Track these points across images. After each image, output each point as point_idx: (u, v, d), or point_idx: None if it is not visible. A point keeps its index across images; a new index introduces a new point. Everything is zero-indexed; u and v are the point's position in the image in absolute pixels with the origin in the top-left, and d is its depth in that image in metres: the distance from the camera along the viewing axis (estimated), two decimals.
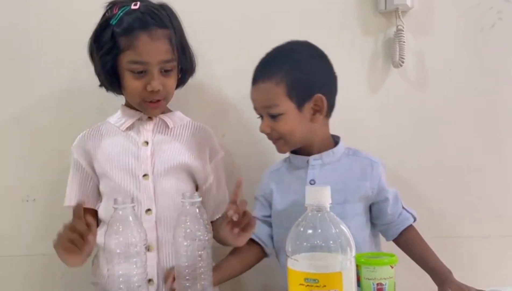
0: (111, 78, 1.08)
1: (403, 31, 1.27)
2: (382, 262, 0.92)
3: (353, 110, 1.31)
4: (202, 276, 0.84)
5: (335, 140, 1.10)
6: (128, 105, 1.14)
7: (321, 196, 0.66)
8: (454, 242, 1.32)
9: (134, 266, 0.83)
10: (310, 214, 0.67)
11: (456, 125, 1.33)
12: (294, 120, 1.02)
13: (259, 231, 1.06)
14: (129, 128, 1.11)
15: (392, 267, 0.92)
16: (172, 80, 1.08)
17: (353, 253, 0.66)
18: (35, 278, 1.30)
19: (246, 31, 1.30)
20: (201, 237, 0.84)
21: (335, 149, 1.07)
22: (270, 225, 1.10)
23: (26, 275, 1.30)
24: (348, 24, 1.31)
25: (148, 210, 1.04)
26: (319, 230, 0.66)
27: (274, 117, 1.02)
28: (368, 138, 1.32)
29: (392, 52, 1.30)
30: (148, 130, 1.10)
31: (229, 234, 0.94)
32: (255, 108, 1.07)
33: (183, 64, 1.10)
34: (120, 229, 0.82)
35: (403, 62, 1.28)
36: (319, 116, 1.04)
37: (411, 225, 1.07)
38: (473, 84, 1.33)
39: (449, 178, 1.34)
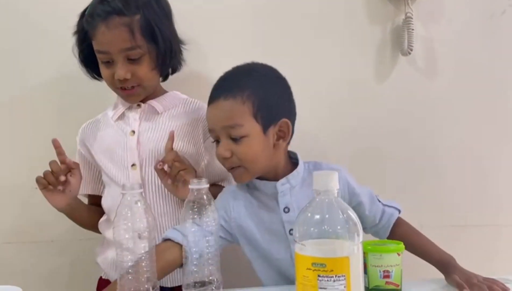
0: (88, 67, 1.11)
1: (412, 18, 1.26)
2: (389, 250, 0.92)
3: (362, 99, 1.32)
4: (210, 261, 0.85)
5: (292, 158, 1.03)
6: None
7: (328, 181, 0.66)
8: (459, 231, 1.33)
9: (143, 251, 0.83)
10: (317, 199, 0.67)
11: (465, 114, 1.33)
12: (258, 144, 0.93)
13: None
14: (120, 117, 1.12)
15: (399, 255, 0.92)
16: (143, 67, 1.04)
17: (360, 239, 0.66)
18: (44, 264, 1.32)
19: (252, 21, 1.29)
20: (208, 223, 0.84)
21: (298, 169, 0.99)
22: None
23: (36, 261, 1.32)
24: (356, 12, 1.31)
25: None
26: (327, 216, 0.66)
27: (235, 140, 0.92)
28: (376, 127, 1.32)
29: (400, 40, 1.29)
30: (135, 118, 1.10)
31: (167, 185, 1.03)
32: (212, 130, 0.96)
33: (157, 51, 1.04)
34: (129, 215, 0.82)
35: (411, 50, 1.27)
36: (282, 142, 0.96)
37: (398, 218, 1.04)
38: (483, 72, 1.32)
39: (457, 167, 1.34)
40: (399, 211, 1.05)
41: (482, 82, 1.32)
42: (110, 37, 1.01)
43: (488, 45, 1.32)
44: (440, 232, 1.29)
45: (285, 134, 0.96)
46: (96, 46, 1.04)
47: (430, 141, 1.33)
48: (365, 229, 1.08)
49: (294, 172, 0.98)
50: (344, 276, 0.63)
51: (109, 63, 1.04)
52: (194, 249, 0.84)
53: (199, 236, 0.84)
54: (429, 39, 1.31)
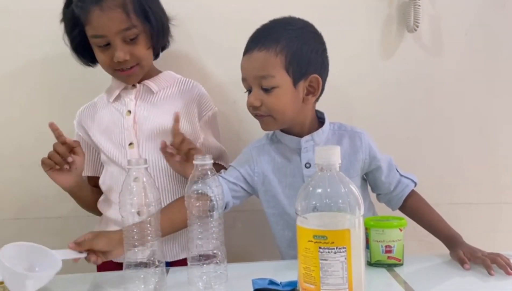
0: (81, 54, 1.11)
1: None
2: (391, 225, 0.93)
3: (366, 76, 1.31)
4: (214, 235, 0.86)
5: (319, 117, 1.06)
6: None
7: (330, 155, 0.67)
8: (466, 208, 1.33)
9: (148, 225, 0.85)
10: (319, 173, 0.68)
11: (471, 91, 1.32)
12: (287, 96, 0.96)
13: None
14: (116, 99, 1.13)
15: (401, 230, 0.93)
16: (140, 46, 1.05)
17: (362, 212, 0.66)
18: (53, 239, 1.33)
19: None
20: (212, 198, 0.85)
21: (323, 127, 1.02)
22: (235, 197, 1.04)
23: (44, 237, 1.33)
24: None
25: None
26: (328, 189, 0.66)
27: (266, 90, 0.95)
28: (381, 103, 1.31)
29: (406, 17, 1.27)
30: (131, 99, 1.12)
31: (175, 166, 1.03)
32: (245, 80, 0.99)
33: (151, 29, 1.06)
34: (134, 189, 0.83)
35: (417, 26, 1.26)
36: (311, 98, 0.99)
37: (413, 191, 1.07)
38: (489, 48, 1.30)
39: (461, 144, 1.33)
40: (415, 184, 1.07)
41: (489, 58, 1.31)
42: (106, 20, 1.00)
43: (495, 21, 1.29)
44: (443, 209, 1.29)
45: (315, 90, 0.98)
46: (91, 31, 1.03)
47: (435, 118, 1.32)
48: (379, 196, 1.11)
49: (319, 130, 1.02)
50: (345, 248, 0.64)
51: (106, 46, 1.04)
52: (198, 223, 0.86)
53: (202, 211, 0.86)
54: (435, 15, 1.29)
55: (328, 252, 0.64)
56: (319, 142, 1.02)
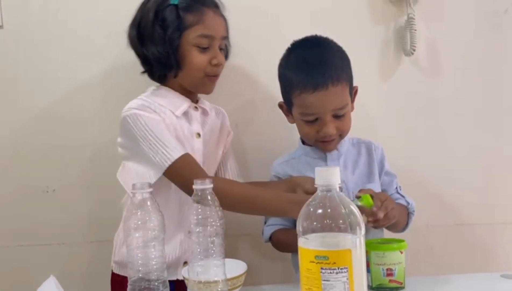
0: (175, 56, 1.06)
1: (414, 19, 1.27)
2: (392, 248, 0.92)
3: (365, 99, 1.30)
4: (214, 261, 0.86)
5: None
6: (175, 90, 1.11)
7: (330, 175, 0.68)
8: (469, 229, 1.33)
9: (153, 249, 0.85)
10: (320, 194, 0.68)
11: (468, 113, 1.33)
12: (350, 113, 1.04)
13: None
14: (183, 115, 1.09)
15: (401, 252, 0.92)
16: (224, 58, 1.13)
17: (362, 232, 0.67)
18: (56, 266, 1.33)
19: (254, 23, 1.30)
20: (213, 223, 0.84)
21: (346, 138, 1.08)
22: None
23: (49, 263, 1.32)
24: (359, 12, 1.32)
25: None
26: (329, 210, 0.67)
27: (339, 117, 1.01)
28: (380, 126, 1.32)
29: (403, 41, 1.30)
30: (197, 120, 1.11)
31: None
32: (315, 113, 1.01)
33: (228, 45, 1.15)
34: (139, 213, 0.84)
35: (414, 50, 1.28)
36: (352, 105, 1.06)
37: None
38: (486, 70, 1.33)
39: (462, 166, 1.34)
40: (408, 204, 1.08)
41: (486, 81, 1.33)
42: (218, 23, 1.09)
43: (490, 44, 1.32)
44: (446, 231, 1.29)
45: (354, 97, 1.07)
46: (201, 30, 1.06)
47: (434, 141, 1.33)
48: None
49: (342, 141, 1.07)
50: (347, 268, 0.64)
51: (206, 49, 1.07)
52: (198, 250, 0.85)
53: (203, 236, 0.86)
54: (431, 39, 1.32)
55: (330, 273, 0.64)
56: (342, 152, 1.09)
